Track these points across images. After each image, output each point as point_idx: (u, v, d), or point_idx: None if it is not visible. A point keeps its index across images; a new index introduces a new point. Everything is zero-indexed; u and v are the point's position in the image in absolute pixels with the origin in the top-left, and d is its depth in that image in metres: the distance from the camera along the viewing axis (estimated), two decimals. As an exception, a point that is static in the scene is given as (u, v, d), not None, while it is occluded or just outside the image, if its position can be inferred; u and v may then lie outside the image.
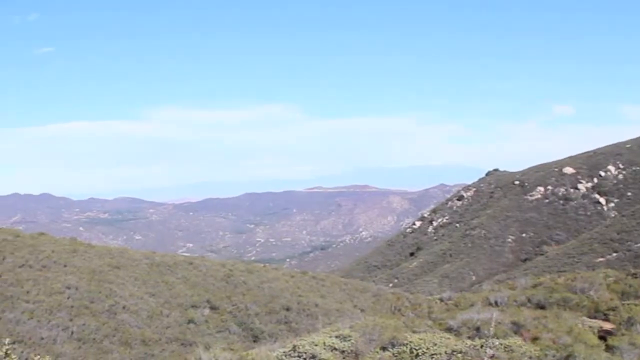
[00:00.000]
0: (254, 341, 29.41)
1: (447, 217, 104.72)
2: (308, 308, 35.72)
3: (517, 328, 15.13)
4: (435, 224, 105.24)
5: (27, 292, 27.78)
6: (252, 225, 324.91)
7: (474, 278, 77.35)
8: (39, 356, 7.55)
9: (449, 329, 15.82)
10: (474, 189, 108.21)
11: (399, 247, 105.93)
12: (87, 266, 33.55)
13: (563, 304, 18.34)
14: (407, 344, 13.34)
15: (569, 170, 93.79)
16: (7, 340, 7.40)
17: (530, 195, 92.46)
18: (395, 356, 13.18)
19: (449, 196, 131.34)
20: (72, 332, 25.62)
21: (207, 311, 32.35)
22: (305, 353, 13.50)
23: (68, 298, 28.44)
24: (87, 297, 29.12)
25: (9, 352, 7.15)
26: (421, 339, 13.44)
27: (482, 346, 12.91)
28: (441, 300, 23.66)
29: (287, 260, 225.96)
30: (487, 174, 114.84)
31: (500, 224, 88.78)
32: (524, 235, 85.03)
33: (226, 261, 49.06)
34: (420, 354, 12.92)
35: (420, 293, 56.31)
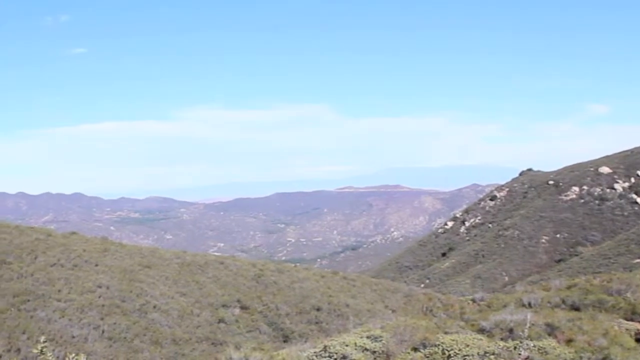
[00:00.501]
0: (284, 341, 29.42)
1: (479, 218, 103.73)
2: (339, 308, 35.63)
3: (551, 330, 14.83)
4: (467, 224, 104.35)
5: (59, 290, 28.18)
6: (283, 225, 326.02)
7: (506, 279, 76.48)
8: (74, 355, 7.58)
9: (482, 330, 15.59)
10: (507, 189, 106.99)
11: (431, 248, 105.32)
12: (118, 265, 33.93)
13: (598, 305, 17.94)
14: (438, 345, 13.17)
15: (605, 169, 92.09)
16: (42, 339, 7.46)
17: (565, 196, 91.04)
18: (427, 357, 13.02)
19: (481, 196, 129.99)
20: (103, 331, 25.90)
21: (237, 311, 32.46)
22: (336, 353, 13.41)
23: (99, 297, 28.77)
24: (118, 296, 29.42)
25: (44, 349, 7.20)
26: (453, 340, 13.26)
27: (515, 348, 12.68)
28: (473, 301, 23.37)
29: (318, 260, 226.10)
30: (520, 174, 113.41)
31: (534, 224, 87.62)
32: (558, 235, 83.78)
33: (257, 261, 49.20)
34: (452, 355, 12.74)
35: (452, 294, 55.78)
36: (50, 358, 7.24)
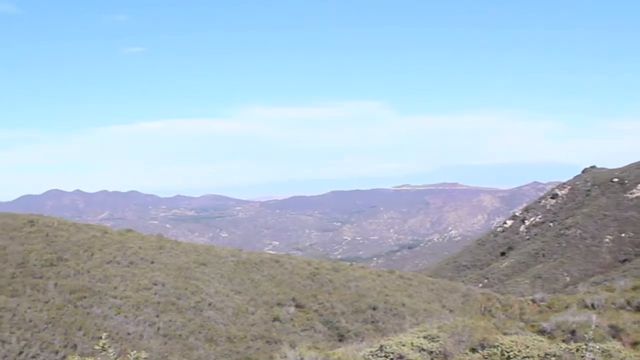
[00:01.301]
0: (340, 340, 29.34)
1: (540, 216, 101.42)
2: (395, 307, 35.35)
3: (616, 332, 14.28)
4: (527, 223, 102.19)
5: (115, 287, 28.81)
6: (339, 223, 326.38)
7: (568, 279, 74.56)
8: (134, 351, 7.66)
9: (542, 332, 15.15)
10: (569, 187, 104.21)
11: (490, 247, 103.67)
12: (173, 263, 34.50)
13: (667, 307, 17.19)
14: (497, 346, 12.84)
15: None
16: (103, 335, 7.57)
17: (631, 194, 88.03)
18: (486, 358, 12.71)
19: (542, 194, 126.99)
20: (159, 328, 26.35)
21: (292, 309, 32.57)
22: (393, 353, 13.24)
23: (155, 294, 29.29)
24: (174, 294, 29.89)
25: (105, 346, 7.29)
26: (513, 341, 12.90)
27: (577, 350, 12.24)
28: (533, 301, 22.74)
29: (374, 258, 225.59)
30: (583, 171, 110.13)
31: (597, 223, 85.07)
32: (622, 235, 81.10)
33: (312, 259, 49.32)
34: (511, 356, 12.40)
35: (511, 294, 54.63)
36: (111, 354, 7.32)
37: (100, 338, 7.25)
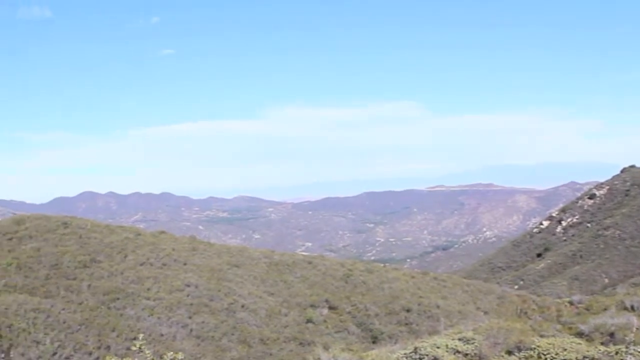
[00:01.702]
0: (373, 342, 29.21)
1: (577, 217, 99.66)
2: (429, 309, 35.05)
3: (658, 335, 13.91)
4: (564, 223, 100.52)
5: (148, 289, 29.09)
6: (372, 225, 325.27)
7: (606, 281, 73.09)
8: (171, 353, 7.71)
9: (580, 334, 14.88)
10: (608, 187, 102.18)
11: (525, 248, 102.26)
12: (206, 264, 34.71)
13: None
14: (534, 348, 12.64)
15: None
16: (141, 336, 7.64)
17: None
18: (522, 361, 12.51)
19: (579, 194, 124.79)
20: (192, 330, 26.53)
21: (325, 311, 32.52)
22: (427, 355, 13.15)
23: (187, 296, 29.49)
24: (207, 295, 30.05)
25: (142, 347, 7.36)
26: (550, 344, 12.69)
27: (617, 353, 11.98)
28: (571, 303, 22.37)
29: (408, 260, 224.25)
30: (622, 171, 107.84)
31: (636, 223, 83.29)
32: (664, 235, 79.19)
33: (345, 261, 49.21)
34: (548, 359, 12.19)
35: (548, 296, 53.77)
36: (148, 355, 7.38)
37: (134, 339, 7.32)
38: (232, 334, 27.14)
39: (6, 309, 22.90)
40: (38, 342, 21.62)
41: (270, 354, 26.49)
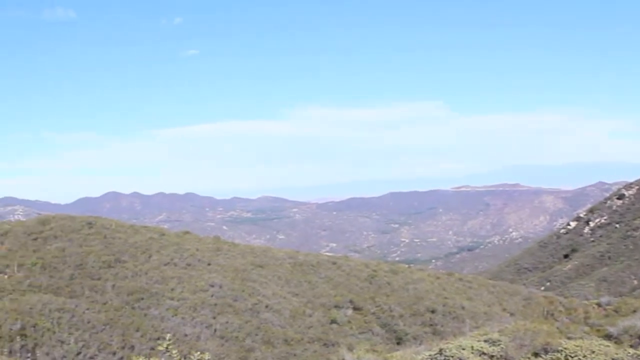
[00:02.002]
0: (398, 343, 29.08)
1: (605, 217, 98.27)
2: (454, 310, 34.81)
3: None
4: (592, 224, 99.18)
5: (172, 289, 29.26)
6: (397, 225, 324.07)
7: (635, 282, 71.97)
8: (198, 353, 7.74)
9: (609, 336, 14.63)
10: (637, 187, 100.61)
11: (552, 249, 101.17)
12: (230, 265, 34.83)
13: None
14: (561, 350, 12.45)
15: None
16: (168, 336, 7.68)
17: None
18: (548, 364, 12.34)
19: (608, 195, 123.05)
20: (215, 330, 26.62)
21: (350, 311, 32.46)
22: (452, 357, 13.02)
23: (212, 296, 29.60)
24: (231, 296, 30.14)
25: (169, 347, 7.40)
26: (577, 346, 12.48)
27: (647, 356, 11.74)
28: (599, 305, 22.06)
29: (433, 261, 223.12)
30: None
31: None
32: (694, 236, 77.73)
33: (370, 261, 49.11)
34: (576, 362, 11.99)
35: (575, 297, 53.12)
36: (175, 355, 7.41)
37: (157, 339, 7.37)
38: (256, 335, 27.20)
39: (31, 308, 23.19)
40: (62, 342, 21.85)
41: (294, 355, 26.49)
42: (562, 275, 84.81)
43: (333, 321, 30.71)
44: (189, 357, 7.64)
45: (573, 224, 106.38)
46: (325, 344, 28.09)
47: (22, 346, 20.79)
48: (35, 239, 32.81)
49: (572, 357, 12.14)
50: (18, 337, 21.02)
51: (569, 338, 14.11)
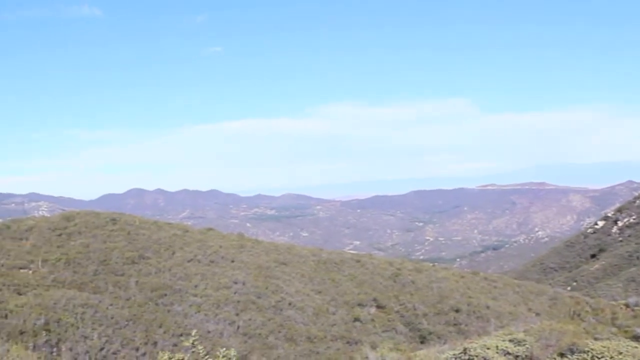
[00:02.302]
0: (422, 342, 28.94)
1: (634, 217, 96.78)
2: (479, 310, 34.53)
3: None
4: (620, 223, 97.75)
5: (195, 286, 29.45)
6: (421, 224, 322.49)
7: (665, 283, 70.61)
8: (224, 349, 7.79)
9: (636, 337, 14.41)
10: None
11: (579, 248, 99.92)
12: (254, 262, 34.93)
13: None
14: (588, 351, 12.29)
15: None
16: (194, 332, 7.73)
17: None
18: (575, 364, 12.18)
19: (637, 194, 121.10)
20: (238, 327, 26.72)
21: (373, 310, 32.39)
22: (477, 356, 12.94)
23: (235, 293, 29.73)
24: (254, 293, 30.24)
25: (195, 343, 7.45)
26: (604, 347, 12.31)
27: (677, 359, 11.53)
28: (627, 306, 21.70)
29: (457, 260, 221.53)
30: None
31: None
32: None
33: (394, 259, 48.91)
34: (603, 363, 11.82)
35: (602, 298, 52.37)
36: (201, 351, 7.46)
37: (180, 336, 7.42)
38: (279, 332, 27.26)
39: (55, 303, 23.49)
40: (86, 337, 22.09)
41: (317, 353, 26.51)
42: (589, 275, 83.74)
43: (356, 319, 30.67)
44: (213, 354, 7.68)
45: (601, 223, 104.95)
46: (348, 342, 28.06)
47: (46, 341, 21.07)
48: (60, 235, 33.23)
49: (598, 358, 11.97)
50: (42, 332, 21.31)
51: (595, 339, 13.93)
